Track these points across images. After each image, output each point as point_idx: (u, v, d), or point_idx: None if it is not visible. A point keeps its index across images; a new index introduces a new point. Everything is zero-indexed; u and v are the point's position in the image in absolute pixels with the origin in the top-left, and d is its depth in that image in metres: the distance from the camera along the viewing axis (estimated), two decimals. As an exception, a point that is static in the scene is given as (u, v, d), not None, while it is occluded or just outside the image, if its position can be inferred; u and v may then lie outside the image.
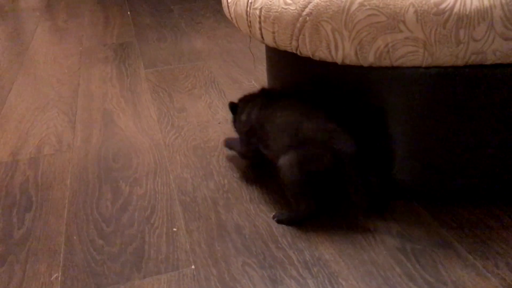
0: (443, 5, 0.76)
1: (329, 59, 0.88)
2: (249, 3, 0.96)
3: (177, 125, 1.36)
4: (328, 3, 0.83)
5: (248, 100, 1.05)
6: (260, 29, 0.96)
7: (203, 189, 1.07)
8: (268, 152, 0.98)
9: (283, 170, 0.90)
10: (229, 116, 1.13)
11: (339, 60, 0.87)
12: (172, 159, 1.19)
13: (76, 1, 2.84)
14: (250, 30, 1.00)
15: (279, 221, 0.94)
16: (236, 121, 1.07)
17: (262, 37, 0.97)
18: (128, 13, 2.53)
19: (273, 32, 0.93)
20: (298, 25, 0.87)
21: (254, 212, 0.98)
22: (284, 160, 0.90)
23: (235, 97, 1.12)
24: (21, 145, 1.30)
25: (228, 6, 1.07)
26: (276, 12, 0.90)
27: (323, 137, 0.87)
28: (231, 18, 1.08)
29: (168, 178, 1.12)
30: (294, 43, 0.90)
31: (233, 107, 1.07)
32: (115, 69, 1.78)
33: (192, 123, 1.37)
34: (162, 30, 2.21)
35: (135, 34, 2.18)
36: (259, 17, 0.94)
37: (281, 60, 1.08)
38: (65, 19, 2.49)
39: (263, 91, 1.06)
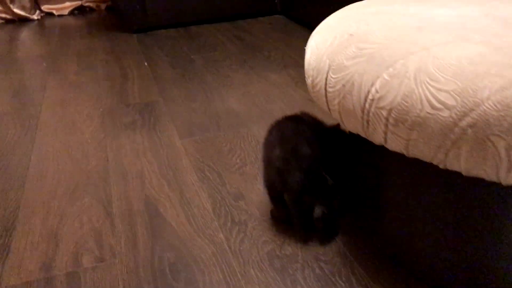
0: None
1: (493, 180, 0.67)
2: (368, 100, 0.75)
3: (238, 220, 1.14)
4: (501, 113, 0.62)
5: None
6: (385, 132, 0.75)
7: (299, 325, 0.84)
8: None
9: (262, 182, 1.11)
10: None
11: (509, 182, 0.66)
12: (246, 275, 0.97)
13: (85, 49, 2.63)
14: (364, 130, 0.79)
15: (270, 214, 1.13)
16: None
17: (385, 141, 0.76)
18: (145, 63, 2.32)
19: (408, 140, 0.72)
20: (452, 136, 0.66)
21: None
22: (263, 174, 1.10)
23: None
24: (53, 252, 1.07)
25: (326, 96, 0.86)
26: (418, 116, 0.69)
27: (279, 165, 1.01)
28: (329, 108, 0.87)
29: (248, 305, 0.89)
30: (440, 156, 0.69)
31: None
32: (146, 138, 1.56)
33: (255, 216, 1.15)
34: (188, 86, 2.00)
35: (159, 91, 1.97)
36: (387, 119, 0.73)
37: (392, 165, 0.87)
38: (77, 72, 2.27)
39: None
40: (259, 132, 1.56)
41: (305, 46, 1.01)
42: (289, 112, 1.68)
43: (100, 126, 1.68)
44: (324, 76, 0.86)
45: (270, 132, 1.10)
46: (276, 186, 1.04)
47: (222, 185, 1.28)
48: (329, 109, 0.87)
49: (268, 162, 1.07)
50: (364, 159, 1.00)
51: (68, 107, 1.85)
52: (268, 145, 1.08)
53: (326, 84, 0.85)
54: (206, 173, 1.34)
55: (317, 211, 1.04)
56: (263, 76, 2.07)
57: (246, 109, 1.74)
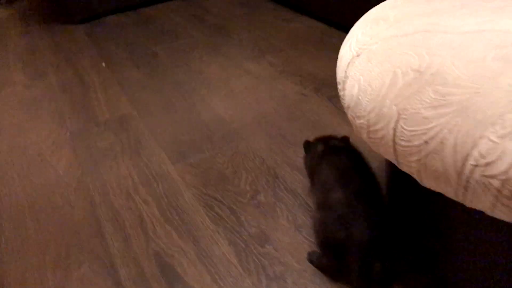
0: None
1: None
2: (468, 165, 0.60)
3: (273, 274, 0.99)
4: None
5: (322, 141, 1.08)
6: (495, 204, 0.60)
7: None
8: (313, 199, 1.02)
9: (313, 225, 0.98)
10: None
11: None
12: None
13: (28, 49, 2.32)
14: (459, 196, 0.64)
15: (309, 260, 0.99)
16: (306, 161, 1.12)
17: (492, 211, 0.62)
18: (103, 64, 2.06)
19: (529, 215, 0.57)
20: None
21: None
22: (315, 217, 0.96)
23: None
24: None
25: (395, 148, 0.70)
26: (547, 192, 0.54)
27: (343, 212, 0.88)
28: (398, 161, 0.71)
29: None
30: None
31: (307, 146, 1.12)
32: (133, 168, 1.36)
33: (291, 265, 1.00)
34: (161, 90, 1.78)
35: (129, 100, 1.74)
36: (499, 190, 0.58)
37: (473, 221, 0.73)
38: (26, 83, 1.99)
39: (344, 139, 1.10)
40: (260, 146, 1.39)
41: (340, 78, 0.84)
42: (286, 113, 1.51)
43: (73, 156, 1.45)
44: (391, 125, 0.69)
45: (316, 166, 1.00)
46: (335, 235, 0.89)
47: (239, 224, 1.12)
48: (397, 161, 0.72)
49: (324, 206, 0.93)
50: (432, 208, 0.86)
51: (28, 134, 1.60)
52: (322, 185, 0.95)
53: (394, 135, 0.69)
54: (216, 210, 1.17)
55: (378, 263, 0.91)
56: (242, 67, 1.87)
57: (236, 115, 1.56)
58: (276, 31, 2.19)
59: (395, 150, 0.70)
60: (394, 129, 0.69)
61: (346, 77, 0.82)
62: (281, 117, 1.52)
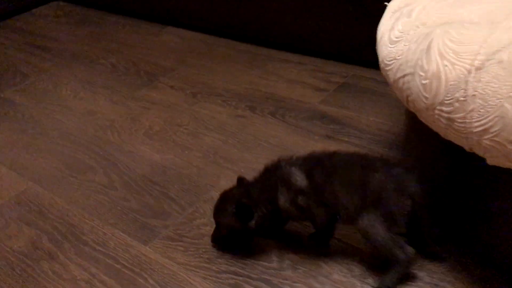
0: None
1: None
2: None
3: None
4: None
5: (248, 190, 0.95)
6: None
7: None
8: (339, 215, 0.90)
9: (368, 234, 0.85)
10: None
11: None
12: None
13: None
14: None
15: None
16: (261, 217, 0.92)
17: None
18: None
19: None
20: None
21: None
22: (364, 223, 0.85)
23: None
24: None
25: None
26: None
27: (395, 184, 0.84)
28: None
29: None
30: None
31: (247, 207, 0.91)
32: (91, 265, 0.99)
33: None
34: (53, 146, 1.37)
35: (12, 169, 1.30)
36: None
37: None
38: None
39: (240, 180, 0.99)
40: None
41: (452, 97, 0.68)
42: (238, 142, 1.28)
43: None
44: None
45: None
46: (404, 208, 0.84)
47: (293, 299, 0.89)
48: None
49: (372, 199, 0.85)
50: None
51: None
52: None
53: None
54: (249, 288, 0.91)
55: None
56: (139, 97, 1.56)
57: (178, 159, 1.27)
58: (147, 48, 1.89)
59: None
60: None
61: (469, 95, 0.67)
62: (236, 148, 1.28)
